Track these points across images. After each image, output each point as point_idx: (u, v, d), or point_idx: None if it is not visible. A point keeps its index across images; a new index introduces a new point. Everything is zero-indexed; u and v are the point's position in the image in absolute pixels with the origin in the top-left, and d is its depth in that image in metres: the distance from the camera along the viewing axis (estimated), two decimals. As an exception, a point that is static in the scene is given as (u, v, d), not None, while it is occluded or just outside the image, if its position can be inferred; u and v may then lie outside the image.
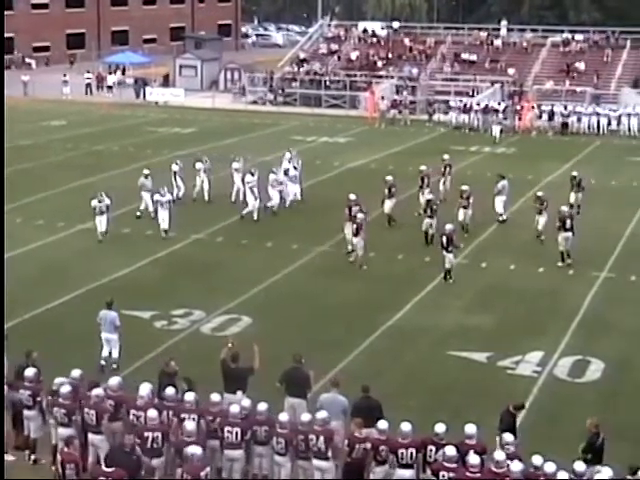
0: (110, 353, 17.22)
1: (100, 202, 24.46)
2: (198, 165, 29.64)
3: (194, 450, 11.98)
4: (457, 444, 12.15)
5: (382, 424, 12.67)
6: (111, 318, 17.19)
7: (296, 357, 14.65)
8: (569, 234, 23.54)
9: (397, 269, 23.34)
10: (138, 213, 27.25)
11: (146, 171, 27.71)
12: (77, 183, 30.32)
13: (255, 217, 27.19)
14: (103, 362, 17.11)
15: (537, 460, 11.85)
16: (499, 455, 11.86)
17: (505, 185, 27.28)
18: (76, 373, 13.83)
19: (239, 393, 14.06)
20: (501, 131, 41.90)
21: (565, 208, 24.48)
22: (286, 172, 28.79)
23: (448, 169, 30.03)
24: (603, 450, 12.58)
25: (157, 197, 25.61)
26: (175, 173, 29.46)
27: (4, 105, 42.42)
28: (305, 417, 12.88)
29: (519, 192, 29.41)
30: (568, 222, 23.57)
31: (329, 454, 12.57)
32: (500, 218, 27.28)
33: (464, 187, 25.98)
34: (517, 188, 27.93)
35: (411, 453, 12.31)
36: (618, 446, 13.96)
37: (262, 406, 13.02)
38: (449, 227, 22.51)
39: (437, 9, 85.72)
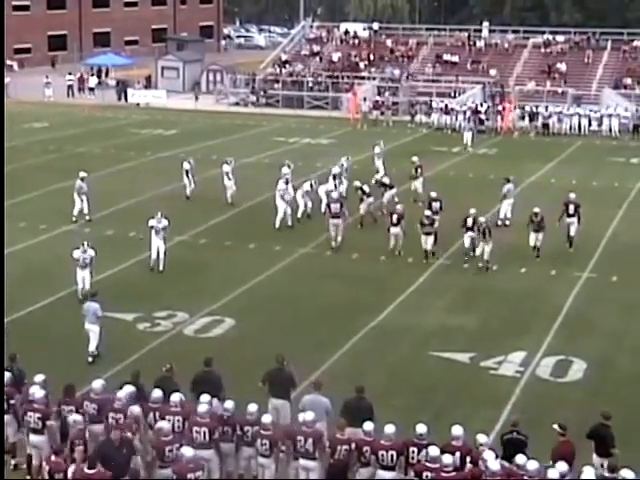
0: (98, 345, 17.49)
1: (84, 253, 20.71)
2: (225, 167, 29.29)
3: (185, 451, 11.96)
4: (443, 446, 12.12)
5: (368, 425, 12.64)
6: (93, 309, 17.42)
7: (279, 358, 14.60)
8: (574, 220, 24.58)
9: (380, 270, 23.34)
10: (74, 218, 26.86)
11: (82, 174, 27.23)
12: (59, 185, 30.20)
13: (290, 223, 26.70)
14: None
15: (520, 459, 11.88)
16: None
17: (511, 188, 27.15)
18: (39, 378, 13.68)
19: (214, 400, 13.78)
20: (473, 137, 40.74)
21: (572, 195, 25.06)
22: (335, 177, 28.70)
23: (420, 170, 30.04)
24: (520, 446, 12.49)
25: (153, 223, 22.78)
26: (187, 172, 29.51)
27: (4, 105, 42.16)
28: (309, 416, 12.80)
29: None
30: (571, 208, 24.53)
31: (316, 454, 12.56)
32: (506, 222, 26.82)
33: (427, 212, 24.17)
34: (498, 189, 27.88)
35: (391, 455, 12.29)
36: None
37: (252, 407, 12.97)
38: (482, 219, 23.31)
39: (419, 10, 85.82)
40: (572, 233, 24.68)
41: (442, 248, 24.63)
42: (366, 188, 27.06)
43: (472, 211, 24.00)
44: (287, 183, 27.03)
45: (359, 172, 30.86)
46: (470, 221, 23.73)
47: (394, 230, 24.19)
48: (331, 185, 28.09)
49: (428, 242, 23.64)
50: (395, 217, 24.25)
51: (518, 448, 12.41)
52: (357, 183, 27.47)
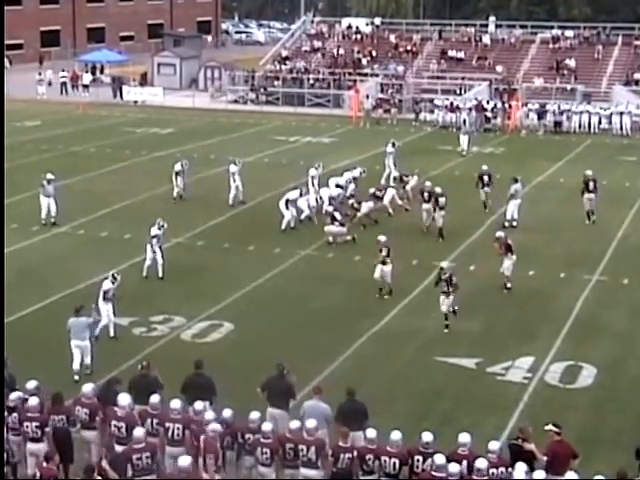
0: (82, 362, 16.79)
1: (113, 283, 18.72)
2: (232, 168, 28.85)
3: (182, 461, 11.70)
4: (449, 454, 11.90)
5: (371, 432, 12.38)
6: (82, 324, 16.81)
7: (279, 367, 14.27)
8: (592, 195, 26.87)
9: (383, 273, 22.84)
10: (43, 222, 26.31)
11: (50, 176, 26.57)
12: (52, 185, 29.60)
13: (292, 225, 26.26)
14: (77, 377, 16.56)
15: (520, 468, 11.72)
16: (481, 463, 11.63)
17: (519, 188, 26.80)
18: (32, 385, 13.41)
19: (204, 404, 13.49)
20: (470, 140, 38.84)
21: (589, 172, 27.38)
22: (339, 185, 28.36)
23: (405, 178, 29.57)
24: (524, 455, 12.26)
25: (155, 231, 22.13)
26: (177, 173, 29.15)
27: (4, 105, 41.72)
28: (294, 424, 12.61)
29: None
30: (591, 184, 26.81)
31: (319, 463, 12.34)
32: (514, 223, 26.42)
33: (381, 237, 21.69)
34: (506, 189, 27.52)
35: (394, 463, 12.06)
36: (612, 453, 14.00)
37: (254, 415, 12.74)
38: (501, 233, 22.24)
39: (423, 5, 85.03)
40: (592, 207, 26.96)
41: (446, 250, 24.26)
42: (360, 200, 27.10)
43: (484, 167, 28.17)
44: (301, 195, 26.63)
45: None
46: (486, 178, 27.63)
47: (426, 206, 25.67)
48: (335, 190, 27.85)
49: (385, 273, 21.10)
50: (426, 194, 25.59)
51: (522, 456, 12.11)
52: (351, 200, 27.46)
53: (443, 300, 19.49)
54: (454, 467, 11.50)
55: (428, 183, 26.39)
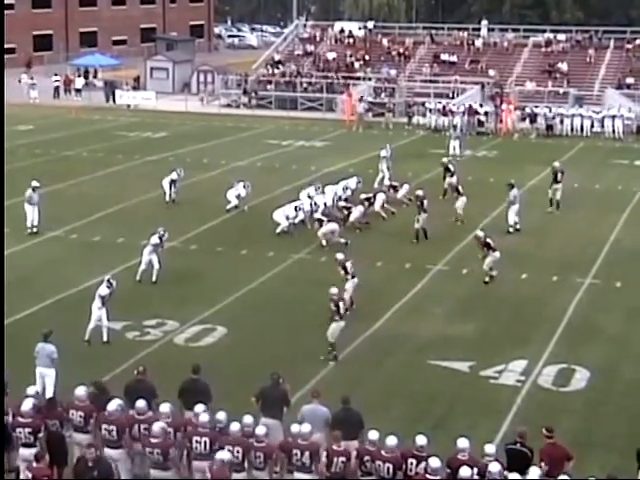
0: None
1: (109, 288, 18.74)
2: (241, 189, 28.49)
3: (221, 455, 11.85)
4: (449, 459, 11.87)
5: (373, 435, 12.33)
6: (48, 351, 15.88)
7: (274, 376, 14.12)
8: (560, 185, 28.49)
9: (376, 276, 22.83)
10: (28, 231, 25.97)
11: (35, 183, 26.27)
12: (45, 190, 29.54)
13: (286, 229, 26.12)
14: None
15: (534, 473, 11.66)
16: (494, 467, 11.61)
17: (516, 194, 26.70)
18: (32, 390, 13.34)
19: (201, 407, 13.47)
20: (461, 144, 38.57)
21: (557, 164, 29.06)
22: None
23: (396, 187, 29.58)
24: (522, 459, 12.18)
25: (155, 240, 22.10)
26: (173, 181, 28.97)
27: (4, 105, 41.52)
28: (295, 429, 12.57)
29: (501, 197, 28.41)
30: (559, 175, 28.48)
31: (312, 467, 12.32)
32: (511, 229, 26.36)
33: (338, 255, 21.02)
34: (499, 193, 27.56)
35: (388, 468, 12.00)
36: (605, 456, 14.04)
37: (248, 419, 12.69)
38: (481, 233, 22.67)
39: (416, 9, 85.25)
40: (558, 197, 28.50)
41: (439, 254, 24.34)
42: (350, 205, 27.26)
43: (445, 159, 30.85)
44: (296, 210, 26.47)
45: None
46: (452, 167, 29.73)
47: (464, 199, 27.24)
48: (329, 198, 27.77)
49: (346, 289, 20.30)
50: (460, 188, 27.44)
51: (520, 460, 12.07)
52: (341, 203, 27.52)
53: (333, 327, 17.93)
54: (465, 471, 11.44)
55: (454, 179, 28.13)
